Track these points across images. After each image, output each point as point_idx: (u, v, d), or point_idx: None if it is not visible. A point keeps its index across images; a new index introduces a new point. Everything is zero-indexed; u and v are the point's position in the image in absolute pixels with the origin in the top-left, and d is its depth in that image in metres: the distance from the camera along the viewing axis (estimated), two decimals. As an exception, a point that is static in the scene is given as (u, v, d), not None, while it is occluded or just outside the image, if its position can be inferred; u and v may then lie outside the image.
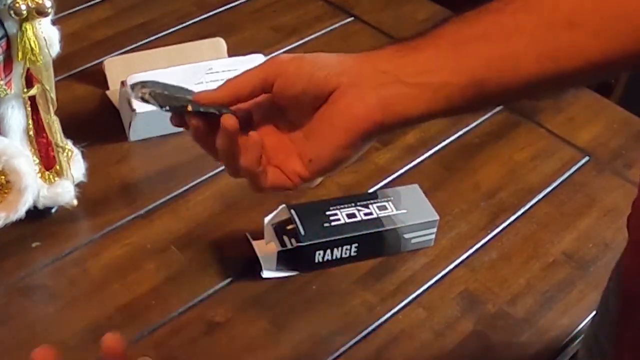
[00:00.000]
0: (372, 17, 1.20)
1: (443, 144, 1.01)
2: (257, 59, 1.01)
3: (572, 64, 0.54)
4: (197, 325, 0.79)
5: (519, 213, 0.93)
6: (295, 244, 0.83)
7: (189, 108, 0.60)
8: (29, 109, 0.82)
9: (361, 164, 0.95)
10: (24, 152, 0.82)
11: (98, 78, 1.04)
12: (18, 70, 0.78)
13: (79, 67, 1.07)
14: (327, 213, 0.85)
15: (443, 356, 0.79)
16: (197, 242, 0.87)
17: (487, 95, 0.56)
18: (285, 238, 0.84)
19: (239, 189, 0.91)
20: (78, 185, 0.87)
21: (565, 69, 0.54)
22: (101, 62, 1.05)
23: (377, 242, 0.85)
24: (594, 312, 0.76)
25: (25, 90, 0.80)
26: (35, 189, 0.82)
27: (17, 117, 0.81)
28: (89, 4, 1.18)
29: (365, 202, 0.86)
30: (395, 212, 0.86)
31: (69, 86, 1.03)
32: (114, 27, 1.14)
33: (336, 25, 1.18)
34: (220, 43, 1.07)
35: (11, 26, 0.75)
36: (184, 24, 1.16)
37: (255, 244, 0.86)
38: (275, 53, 1.11)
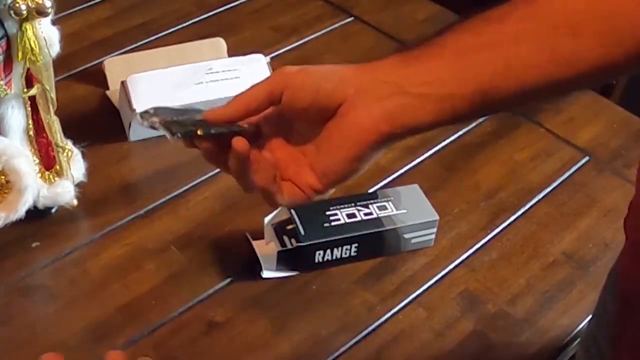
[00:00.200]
0: (372, 17, 1.19)
1: (443, 144, 1.01)
2: (257, 59, 1.01)
3: (576, 69, 0.54)
4: (197, 325, 0.79)
5: (519, 213, 0.93)
6: (295, 244, 0.83)
7: (199, 132, 0.60)
8: (29, 109, 0.82)
9: (361, 164, 0.95)
10: (24, 152, 0.82)
11: (98, 78, 1.04)
12: (18, 70, 0.78)
13: (79, 67, 1.07)
14: (327, 213, 0.85)
15: (443, 356, 0.79)
16: (197, 242, 0.87)
17: (492, 103, 0.57)
18: (285, 238, 0.84)
19: (239, 189, 0.90)
20: (78, 185, 0.87)
21: (570, 75, 0.55)
22: (101, 62, 1.05)
23: (377, 242, 0.85)
24: (592, 313, 0.76)
25: (25, 90, 0.80)
26: (35, 189, 0.82)
27: (17, 117, 0.81)
28: (89, 4, 1.18)
29: (365, 202, 0.86)
30: (395, 212, 0.86)
31: (69, 86, 1.03)
32: (114, 27, 1.14)
33: (336, 25, 1.18)
34: (220, 43, 1.07)
35: (11, 26, 0.75)
36: (184, 24, 1.16)
37: (255, 244, 0.86)
38: (275, 53, 1.11)
